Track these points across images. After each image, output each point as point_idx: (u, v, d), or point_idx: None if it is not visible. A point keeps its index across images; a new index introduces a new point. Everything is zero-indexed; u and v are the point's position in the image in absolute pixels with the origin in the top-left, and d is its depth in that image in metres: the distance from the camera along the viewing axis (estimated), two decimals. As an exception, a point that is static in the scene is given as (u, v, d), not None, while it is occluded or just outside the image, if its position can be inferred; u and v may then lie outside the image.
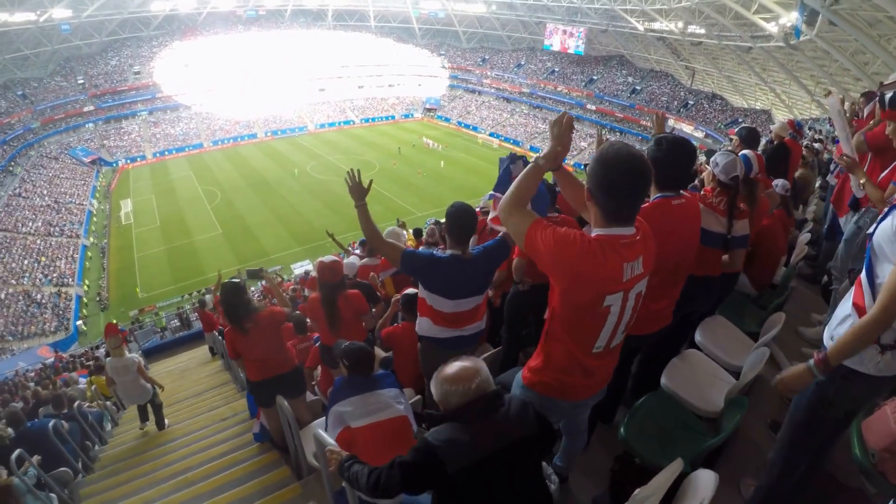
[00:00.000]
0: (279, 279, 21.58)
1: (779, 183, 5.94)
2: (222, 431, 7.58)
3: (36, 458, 6.07)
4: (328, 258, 5.63)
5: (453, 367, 2.44)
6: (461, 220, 4.05)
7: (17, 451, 5.67)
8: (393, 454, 3.47)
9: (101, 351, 20.91)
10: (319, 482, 4.81)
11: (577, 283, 2.44)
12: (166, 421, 8.76)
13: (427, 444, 2.35)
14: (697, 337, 4.41)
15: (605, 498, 3.57)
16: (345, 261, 7.33)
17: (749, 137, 6.00)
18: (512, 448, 2.37)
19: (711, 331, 4.52)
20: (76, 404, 8.20)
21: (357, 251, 12.00)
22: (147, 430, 8.60)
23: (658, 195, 3.36)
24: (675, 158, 3.31)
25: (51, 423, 6.72)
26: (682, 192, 3.44)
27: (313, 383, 6.71)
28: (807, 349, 5.26)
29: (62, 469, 6.66)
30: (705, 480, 2.32)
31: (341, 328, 5.40)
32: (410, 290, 5.43)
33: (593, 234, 2.47)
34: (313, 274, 11.31)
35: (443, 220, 4.69)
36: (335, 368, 5.75)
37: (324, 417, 4.90)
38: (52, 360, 21.83)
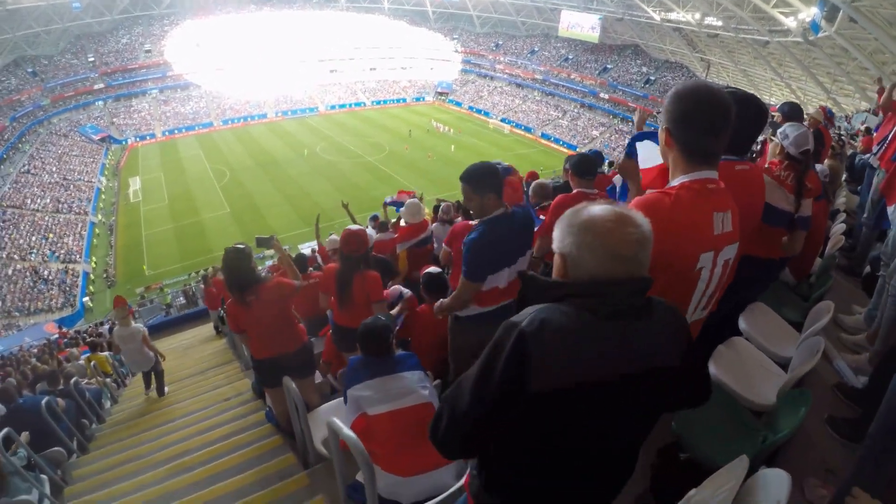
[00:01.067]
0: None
1: (819, 169, 5.59)
2: (224, 412, 7.19)
3: (25, 436, 5.76)
4: (355, 226, 5.09)
5: (605, 210, 1.62)
6: (491, 177, 3.70)
7: (4, 430, 5.32)
8: (415, 446, 3.16)
9: (106, 327, 20.83)
10: (329, 472, 4.44)
11: (672, 243, 2.10)
12: (166, 389, 9.38)
13: (515, 330, 1.54)
14: (742, 324, 4.04)
15: (648, 498, 3.20)
16: None
17: (792, 113, 5.58)
18: (641, 380, 1.61)
19: (755, 318, 4.14)
20: (73, 381, 7.86)
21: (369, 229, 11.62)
22: (150, 397, 9.27)
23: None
24: (743, 118, 2.84)
25: (44, 401, 6.34)
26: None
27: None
28: (846, 336, 4.95)
29: (55, 449, 6.32)
30: (777, 481, 2.03)
31: (351, 307, 4.94)
32: (433, 269, 5.18)
33: (676, 183, 2.24)
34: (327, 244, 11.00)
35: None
36: (349, 352, 5.16)
37: (333, 401, 4.65)
38: (56, 336, 21.72)
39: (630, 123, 58.59)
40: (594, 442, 1.70)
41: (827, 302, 3.89)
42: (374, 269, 5.05)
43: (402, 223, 9.83)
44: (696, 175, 2.20)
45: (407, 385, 3.28)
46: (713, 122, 2.11)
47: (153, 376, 9.26)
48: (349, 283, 4.91)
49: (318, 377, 5.73)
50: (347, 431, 2.89)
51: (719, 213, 2.21)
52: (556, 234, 1.69)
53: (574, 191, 4.88)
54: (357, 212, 33.44)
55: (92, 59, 65.16)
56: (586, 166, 4.86)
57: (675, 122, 2.16)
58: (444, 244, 5.62)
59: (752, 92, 2.96)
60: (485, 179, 3.66)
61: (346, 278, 4.92)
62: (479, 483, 1.92)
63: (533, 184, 6.27)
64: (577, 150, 54.59)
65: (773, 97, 51.53)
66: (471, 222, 5.02)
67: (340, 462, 3.28)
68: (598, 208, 1.64)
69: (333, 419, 3.10)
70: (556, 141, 60.34)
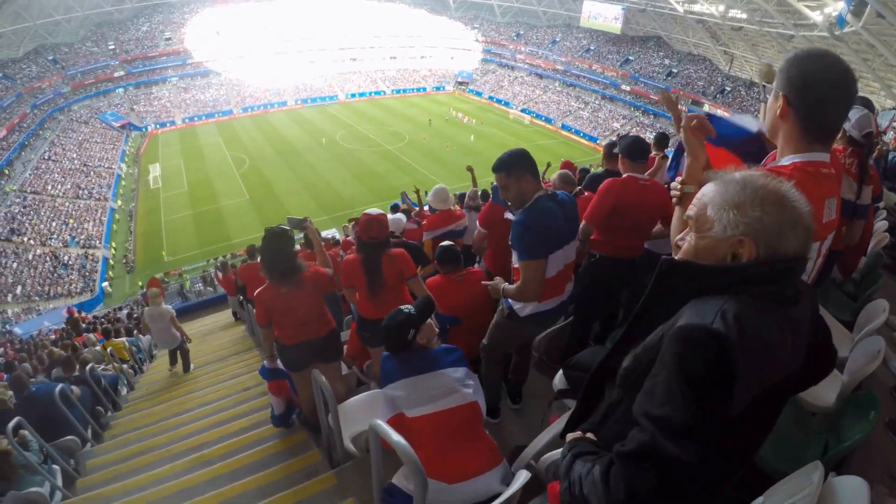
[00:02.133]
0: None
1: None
2: (244, 403, 6.96)
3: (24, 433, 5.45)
4: (374, 210, 4.73)
5: (776, 178, 1.42)
6: (525, 159, 3.47)
7: (15, 420, 5.11)
8: (459, 450, 2.96)
9: (124, 312, 20.90)
10: (358, 472, 4.19)
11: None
12: (192, 366, 9.92)
13: (710, 339, 1.27)
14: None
15: None
16: (389, 217, 6.75)
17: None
18: (796, 373, 1.43)
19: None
20: (89, 367, 7.67)
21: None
22: (175, 372, 9.84)
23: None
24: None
25: (57, 388, 6.09)
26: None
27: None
28: None
29: (69, 437, 6.10)
30: (853, 490, 1.91)
31: (382, 294, 4.61)
32: (446, 242, 4.96)
33: (787, 163, 2.00)
34: (348, 236, 10.73)
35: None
36: (375, 347, 5.04)
37: (361, 395, 4.49)
38: (66, 315, 21.88)
39: (651, 116, 58.16)
40: (754, 447, 1.51)
41: (881, 300, 3.78)
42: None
43: (427, 209, 9.49)
44: (810, 157, 1.98)
45: (447, 383, 2.99)
46: (841, 94, 1.89)
47: (178, 354, 9.88)
48: (377, 267, 4.57)
49: (343, 369, 5.48)
50: (397, 437, 2.53)
51: (829, 200, 2.02)
52: (728, 212, 1.41)
53: (624, 175, 4.62)
54: (377, 200, 33.58)
55: (112, 46, 65.55)
56: (639, 149, 4.58)
57: (797, 89, 1.91)
58: (479, 225, 5.32)
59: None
60: (518, 162, 3.45)
61: (374, 263, 4.58)
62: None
63: (555, 175, 5.99)
64: (598, 142, 54.34)
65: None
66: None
67: (378, 463, 2.98)
68: (764, 175, 1.43)
69: (378, 422, 2.76)
70: (577, 132, 59.83)
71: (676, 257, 1.58)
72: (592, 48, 70.63)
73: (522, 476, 2.74)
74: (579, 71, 69.74)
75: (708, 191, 1.50)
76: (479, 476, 2.87)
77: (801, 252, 1.38)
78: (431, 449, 2.84)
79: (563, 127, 61.73)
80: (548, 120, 64.31)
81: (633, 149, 4.57)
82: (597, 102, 65.35)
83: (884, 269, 6.35)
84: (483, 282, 4.07)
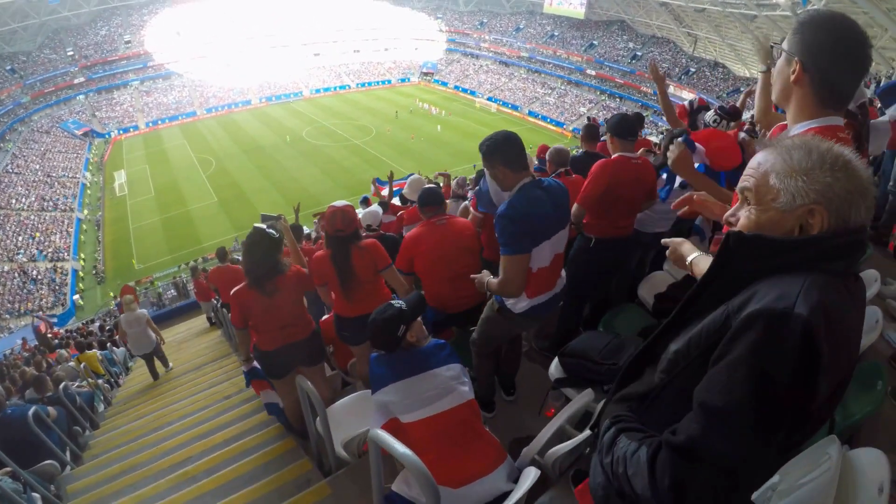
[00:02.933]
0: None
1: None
2: (226, 412, 6.69)
3: (5, 471, 5.29)
4: (340, 202, 4.51)
5: (831, 143, 1.32)
6: (497, 146, 3.28)
7: None
8: (460, 452, 2.82)
9: (97, 325, 20.58)
10: (352, 479, 3.96)
11: None
12: (170, 364, 10.58)
13: (795, 323, 1.15)
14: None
15: None
16: (366, 210, 6.61)
17: None
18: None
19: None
20: (62, 385, 7.41)
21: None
22: (157, 376, 10.21)
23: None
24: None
25: (31, 410, 5.87)
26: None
27: (329, 351, 5.69)
28: (892, 302, 4.77)
29: (47, 462, 5.89)
30: (872, 462, 1.84)
31: (357, 290, 4.43)
32: (431, 185, 4.90)
33: (799, 129, 1.96)
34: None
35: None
36: (356, 345, 4.86)
37: (348, 398, 4.34)
38: (36, 323, 21.52)
39: (617, 99, 58.50)
40: (802, 443, 1.41)
41: (871, 271, 3.74)
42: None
43: (400, 202, 9.23)
44: (826, 121, 1.95)
45: (442, 384, 2.83)
46: (858, 59, 1.87)
47: (155, 359, 10.22)
48: (348, 260, 4.36)
49: (327, 370, 5.35)
50: (402, 449, 2.38)
51: None
52: (795, 179, 1.30)
53: (614, 155, 4.49)
54: (346, 195, 33.47)
55: (71, 52, 64.40)
56: (627, 126, 4.49)
57: (814, 55, 1.87)
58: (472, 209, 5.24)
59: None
60: (489, 151, 3.30)
61: (343, 256, 4.37)
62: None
63: (551, 149, 5.78)
64: (565, 127, 54.54)
65: (761, 70, 51.37)
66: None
67: (379, 474, 2.82)
68: (816, 138, 1.35)
69: (378, 432, 2.61)
70: (544, 118, 60.00)
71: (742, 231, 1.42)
72: (557, 34, 70.73)
73: (531, 474, 2.64)
74: (544, 57, 69.87)
75: (766, 159, 1.39)
76: (485, 476, 2.75)
77: (867, 222, 1.29)
78: (432, 454, 2.66)
79: (530, 113, 61.86)
80: (514, 107, 64.36)
81: (622, 127, 4.51)
82: (563, 88, 65.51)
83: (869, 240, 6.49)
84: (471, 275, 3.80)
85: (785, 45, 1.96)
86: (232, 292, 4.43)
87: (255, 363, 4.91)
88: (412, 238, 4.43)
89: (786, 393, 1.15)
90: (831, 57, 1.84)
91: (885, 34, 28.50)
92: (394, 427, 2.76)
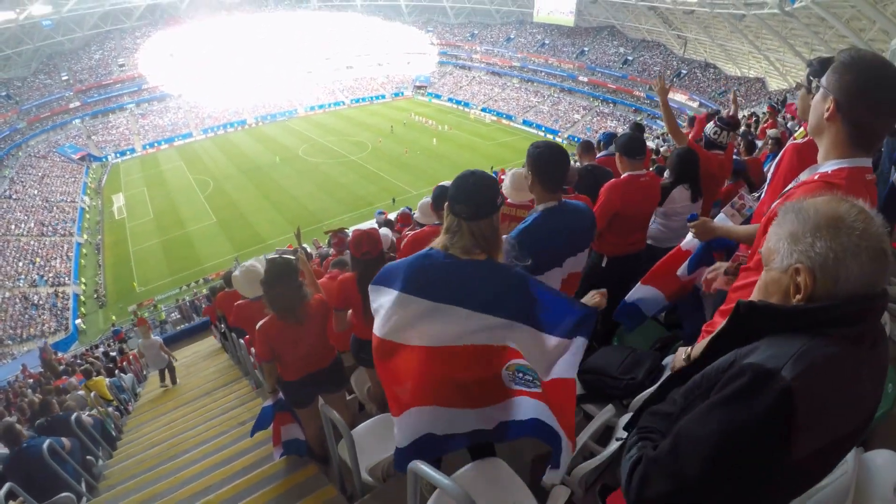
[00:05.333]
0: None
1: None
2: (242, 439, 6.36)
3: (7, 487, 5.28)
4: (365, 226, 4.54)
5: (836, 199, 1.37)
6: (560, 167, 3.13)
7: (6, 487, 5.01)
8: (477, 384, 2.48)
9: (101, 350, 20.55)
10: None
11: None
12: (178, 381, 11.69)
13: (775, 384, 1.23)
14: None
15: None
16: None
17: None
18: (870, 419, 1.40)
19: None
20: (74, 417, 7.26)
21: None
22: (167, 389, 11.43)
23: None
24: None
25: (45, 444, 5.79)
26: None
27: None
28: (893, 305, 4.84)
29: (64, 494, 5.78)
30: (887, 462, 1.95)
31: None
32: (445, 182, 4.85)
33: (830, 169, 2.00)
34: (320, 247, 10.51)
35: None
36: (373, 369, 4.80)
37: (369, 422, 4.17)
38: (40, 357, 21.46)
39: (610, 105, 58.86)
40: (804, 489, 1.46)
41: None
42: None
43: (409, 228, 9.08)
44: (857, 162, 1.98)
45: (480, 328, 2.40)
46: (892, 103, 1.88)
47: (167, 372, 11.66)
48: None
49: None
50: (446, 481, 2.19)
51: (873, 207, 1.68)
52: (785, 242, 1.39)
53: (624, 175, 4.57)
54: (344, 211, 33.57)
55: (66, 77, 64.59)
56: (637, 146, 4.55)
57: (850, 95, 1.88)
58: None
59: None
60: (536, 161, 3.14)
61: (371, 279, 4.01)
62: None
63: (580, 144, 5.77)
64: (560, 134, 54.73)
65: (752, 70, 51.92)
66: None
67: (415, 497, 2.58)
68: (825, 199, 1.38)
69: (419, 465, 2.35)
70: (538, 127, 60.32)
71: (754, 298, 1.52)
72: (547, 42, 71.18)
73: (562, 495, 2.54)
74: (536, 66, 70.36)
75: (773, 223, 1.47)
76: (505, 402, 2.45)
77: (871, 282, 1.29)
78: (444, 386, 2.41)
79: (525, 123, 62.25)
80: (509, 117, 64.70)
81: (631, 146, 4.55)
82: (556, 96, 65.96)
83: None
84: None
85: (823, 82, 1.97)
86: (258, 327, 4.32)
87: (280, 394, 4.74)
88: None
89: (752, 440, 1.24)
90: (868, 103, 1.86)
91: (873, 26, 28.68)
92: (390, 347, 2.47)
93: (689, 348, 2.14)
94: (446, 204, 2.46)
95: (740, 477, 1.27)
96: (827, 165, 2.01)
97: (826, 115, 1.95)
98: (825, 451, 1.30)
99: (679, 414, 1.54)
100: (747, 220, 3.47)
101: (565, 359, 2.36)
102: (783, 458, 1.23)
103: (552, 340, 2.38)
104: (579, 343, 2.36)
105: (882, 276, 1.29)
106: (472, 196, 2.39)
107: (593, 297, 2.49)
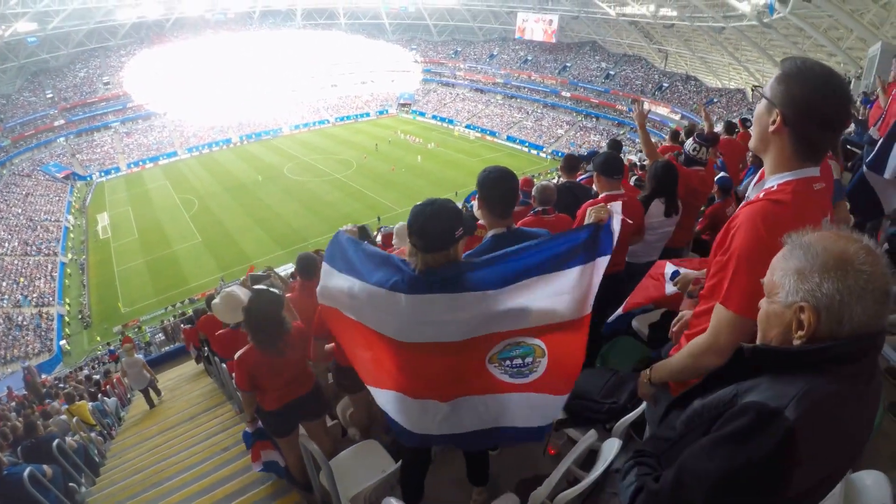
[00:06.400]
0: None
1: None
2: (226, 465, 6.39)
3: None
4: (349, 225, 4.26)
5: (840, 237, 1.37)
6: (501, 187, 3.10)
7: None
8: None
9: (85, 372, 20.50)
10: None
11: None
12: (162, 395, 12.58)
13: (778, 424, 1.27)
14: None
15: None
16: None
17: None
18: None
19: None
20: (56, 444, 7.13)
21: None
22: (155, 403, 12.11)
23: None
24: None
25: (26, 472, 5.68)
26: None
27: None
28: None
29: None
30: (874, 484, 1.97)
31: None
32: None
33: (776, 184, 1.95)
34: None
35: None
36: (355, 394, 4.83)
37: (350, 449, 4.24)
38: (21, 372, 21.31)
39: (594, 119, 59.48)
40: None
41: None
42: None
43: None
44: (803, 173, 1.92)
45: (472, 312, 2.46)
46: (841, 118, 1.86)
47: (150, 391, 12.16)
48: None
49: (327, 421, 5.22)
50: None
51: (825, 219, 1.93)
52: (791, 278, 1.39)
53: (601, 195, 4.53)
54: (330, 230, 33.59)
55: (50, 95, 64.30)
56: (615, 165, 4.53)
57: (796, 109, 1.82)
58: None
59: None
60: (482, 184, 3.15)
61: None
62: None
63: (538, 185, 5.16)
64: (544, 149, 55.17)
65: (733, 81, 52.75)
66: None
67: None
68: (834, 236, 1.37)
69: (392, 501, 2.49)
70: (522, 143, 61.05)
71: (758, 343, 1.54)
72: (530, 58, 72.03)
73: None
74: (519, 82, 71.21)
75: (778, 255, 1.47)
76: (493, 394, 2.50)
77: (874, 323, 1.29)
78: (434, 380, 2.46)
79: (509, 139, 62.90)
80: (492, 133, 65.33)
81: (609, 166, 4.54)
82: (539, 111, 66.73)
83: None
84: None
85: (767, 93, 1.91)
86: (237, 356, 4.23)
87: (259, 423, 4.74)
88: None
89: (754, 477, 1.28)
90: (814, 115, 1.81)
91: (850, 35, 29.25)
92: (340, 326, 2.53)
93: (649, 370, 2.29)
94: None
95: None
96: (773, 180, 1.97)
97: (772, 128, 1.91)
98: (820, 483, 1.37)
99: (678, 440, 1.61)
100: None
101: (595, 283, 2.54)
102: (781, 492, 1.28)
103: (573, 272, 2.49)
104: (601, 263, 2.54)
105: (885, 315, 1.30)
106: (424, 230, 2.46)
107: (591, 216, 2.54)
